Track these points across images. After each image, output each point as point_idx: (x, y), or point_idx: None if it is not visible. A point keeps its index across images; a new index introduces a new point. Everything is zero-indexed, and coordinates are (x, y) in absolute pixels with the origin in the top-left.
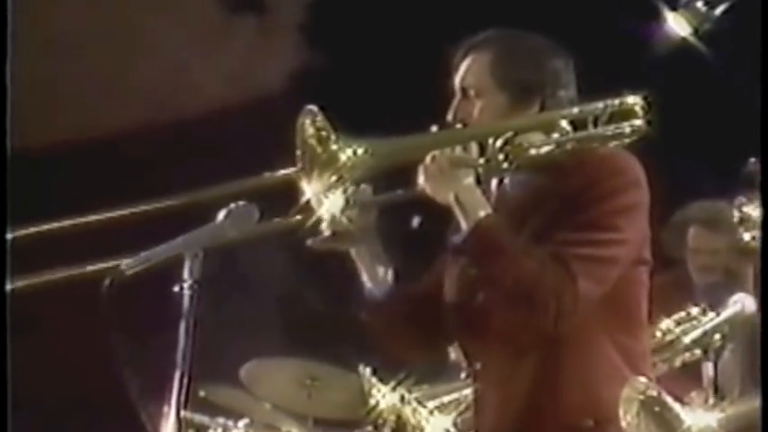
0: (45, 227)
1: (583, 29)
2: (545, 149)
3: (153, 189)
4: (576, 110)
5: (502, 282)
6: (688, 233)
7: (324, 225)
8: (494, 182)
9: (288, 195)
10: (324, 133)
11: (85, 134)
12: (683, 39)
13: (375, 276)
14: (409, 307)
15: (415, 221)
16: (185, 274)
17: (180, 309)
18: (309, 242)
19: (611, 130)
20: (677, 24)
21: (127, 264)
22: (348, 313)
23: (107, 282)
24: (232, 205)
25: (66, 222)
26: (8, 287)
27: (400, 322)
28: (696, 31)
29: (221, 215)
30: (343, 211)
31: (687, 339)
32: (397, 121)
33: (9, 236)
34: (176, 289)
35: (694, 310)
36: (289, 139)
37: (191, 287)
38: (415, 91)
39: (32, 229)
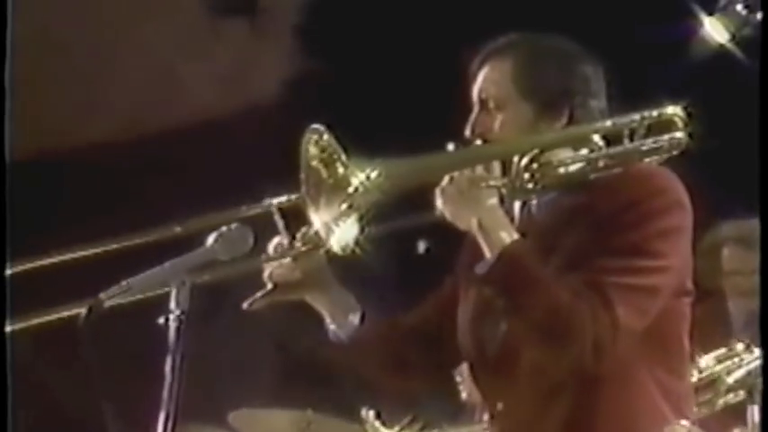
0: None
1: (611, 34)
2: (575, 167)
3: (138, 201)
4: (609, 122)
5: (532, 314)
6: (722, 256)
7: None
8: (516, 204)
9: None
10: (331, 155)
11: (67, 144)
12: (721, 45)
13: (336, 319)
14: (391, 337)
15: (422, 247)
16: (172, 305)
17: (165, 343)
18: (246, 305)
19: (648, 144)
20: (714, 30)
21: (106, 294)
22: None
23: (84, 313)
24: (223, 228)
25: (43, 261)
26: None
27: (375, 357)
28: (734, 37)
29: (211, 239)
30: (357, 242)
31: (730, 379)
32: (406, 135)
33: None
34: (162, 321)
35: (739, 346)
36: (284, 150)
37: (177, 319)
38: (426, 101)
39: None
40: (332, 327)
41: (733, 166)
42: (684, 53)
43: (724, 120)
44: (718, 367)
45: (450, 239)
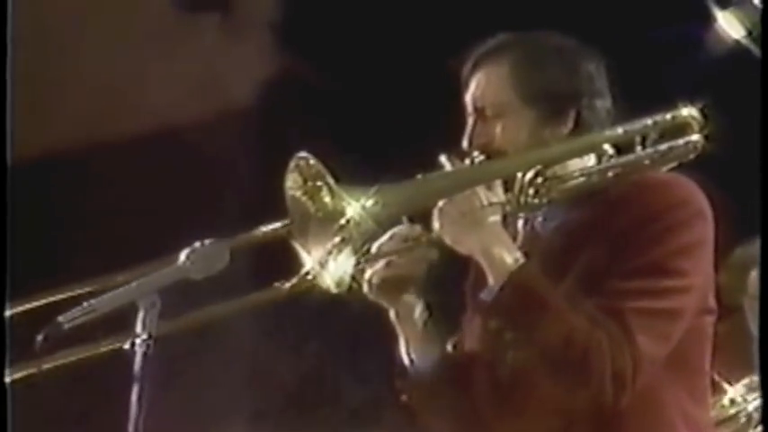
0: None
1: (617, 31)
2: (583, 179)
3: (106, 209)
4: (620, 130)
5: (544, 345)
6: (749, 277)
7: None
8: (519, 222)
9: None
10: (318, 184)
11: (25, 148)
12: (736, 41)
13: (421, 345)
14: (462, 373)
15: None
16: (138, 328)
17: (131, 370)
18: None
19: (662, 150)
20: (729, 25)
21: (65, 316)
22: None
23: (40, 338)
24: (197, 244)
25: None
26: None
27: (457, 394)
28: (750, 33)
29: (183, 255)
30: (353, 278)
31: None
32: (394, 141)
33: None
34: (127, 346)
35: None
36: (260, 158)
37: (145, 343)
38: (415, 102)
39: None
40: (411, 356)
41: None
42: (697, 50)
43: (742, 122)
44: (749, 397)
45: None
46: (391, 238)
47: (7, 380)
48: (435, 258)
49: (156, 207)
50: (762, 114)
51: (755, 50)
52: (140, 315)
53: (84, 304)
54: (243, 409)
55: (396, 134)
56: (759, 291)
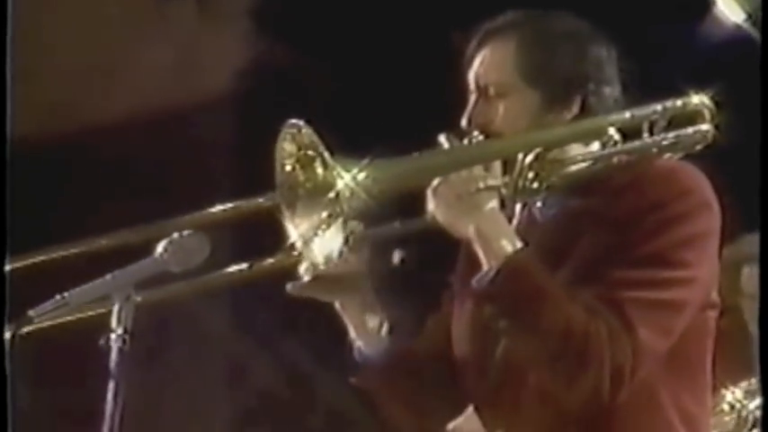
0: None
1: (608, 12)
2: (586, 164)
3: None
4: (628, 114)
5: (540, 335)
6: (741, 275)
7: (308, 269)
8: (516, 206)
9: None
10: (311, 154)
11: None
12: (736, 26)
13: (366, 332)
14: (412, 367)
15: (396, 257)
16: (113, 323)
17: (106, 367)
18: (289, 287)
19: (670, 138)
20: (728, 8)
21: (36, 310)
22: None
23: (9, 334)
24: (175, 235)
25: None
26: None
27: (403, 387)
28: (750, 17)
29: (160, 247)
30: (341, 253)
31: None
32: (385, 132)
33: None
34: (102, 342)
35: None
36: (238, 148)
37: (120, 339)
38: (409, 89)
39: None
40: (357, 343)
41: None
42: (694, 35)
43: (742, 111)
44: (748, 402)
45: (430, 249)
46: None
47: None
48: (368, 261)
49: (129, 193)
50: (762, 105)
51: (755, 34)
52: (115, 309)
53: (57, 297)
54: (219, 407)
55: (386, 124)
56: (759, 291)
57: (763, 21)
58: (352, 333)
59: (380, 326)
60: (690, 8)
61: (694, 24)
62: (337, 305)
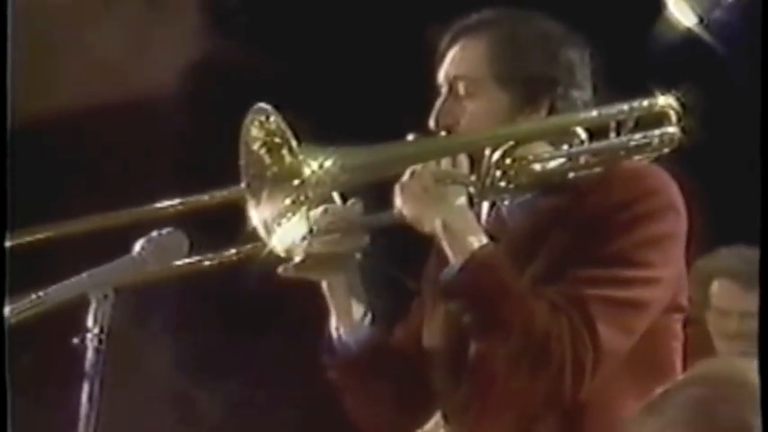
0: None
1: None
2: (554, 164)
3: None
4: (594, 113)
5: (503, 331)
6: (710, 288)
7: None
8: (484, 205)
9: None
10: (277, 140)
11: None
12: (688, 29)
13: (349, 319)
14: (390, 360)
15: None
16: (89, 322)
17: (82, 366)
18: (280, 269)
19: (636, 139)
20: (680, 11)
21: (12, 308)
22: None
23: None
24: (154, 233)
25: None
26: None
27: (379, 380)
28: (702, 20)
29: (138, 245)
30: (303, 240)
31: None
32: (348, 133)
33: None
34: (77, 340)
35: None
36: (184, 148)
37: (96, 338)
38: (374, 88)
39: None
40: (338, 331)
41: (727, 173)
42: (645, 39)
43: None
44: None
45: (394, 243)
46: (326, 211)
47: None
48: (366, 245)
49: (78, 197)
50: (762, 115)
51: (707, 38)
52: (92, 308)
53: (33, 296)
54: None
55: (341, 121)
56: (760, 295)
57: (762, 21)
58: (335, 319)
59: (365, 314)
60: (641, 11)
61: (646, 27)
62: (324, 286)
